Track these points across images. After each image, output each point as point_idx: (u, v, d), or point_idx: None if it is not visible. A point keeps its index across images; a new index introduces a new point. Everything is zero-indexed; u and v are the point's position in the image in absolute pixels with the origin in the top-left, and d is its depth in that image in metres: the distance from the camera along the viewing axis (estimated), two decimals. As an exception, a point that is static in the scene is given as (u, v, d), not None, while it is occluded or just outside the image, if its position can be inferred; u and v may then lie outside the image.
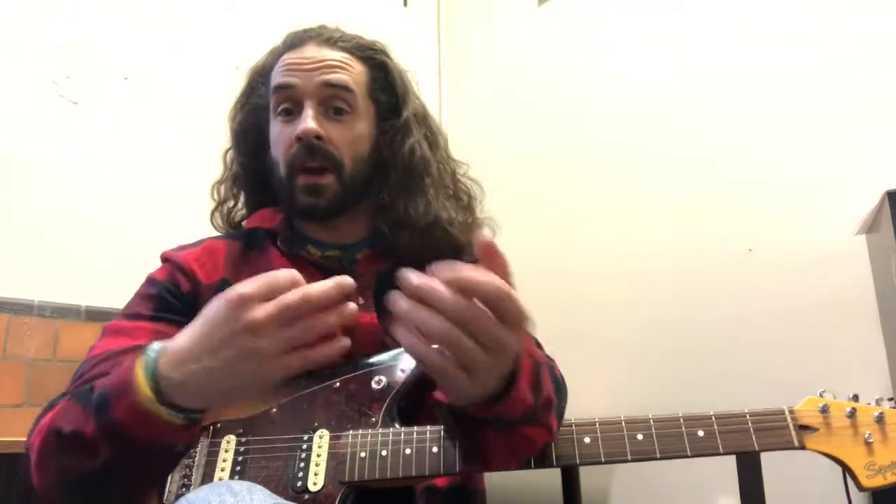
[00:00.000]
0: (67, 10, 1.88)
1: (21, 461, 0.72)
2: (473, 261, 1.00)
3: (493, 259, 0.61)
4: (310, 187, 0.92)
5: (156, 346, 0.62)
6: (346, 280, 0.58)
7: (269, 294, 0.57)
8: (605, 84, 2.25)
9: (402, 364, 0.84)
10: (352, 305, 0.59)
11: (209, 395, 0.61)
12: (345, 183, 0.93)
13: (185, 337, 0.61)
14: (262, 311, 0.57)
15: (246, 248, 0.96)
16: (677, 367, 1.87)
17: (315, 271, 0.94)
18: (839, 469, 0.79)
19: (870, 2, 1.74)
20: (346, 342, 0.59)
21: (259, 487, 0.63)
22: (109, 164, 1.88)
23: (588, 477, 1.66)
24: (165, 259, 0.94)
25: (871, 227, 1.54)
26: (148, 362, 0.61)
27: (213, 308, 0.59)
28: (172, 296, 0.88)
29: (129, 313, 0.87)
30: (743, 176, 1.88)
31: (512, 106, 2.48)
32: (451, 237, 0.96)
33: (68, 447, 0.64)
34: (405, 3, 2.72)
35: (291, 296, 0.57)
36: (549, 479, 1.62)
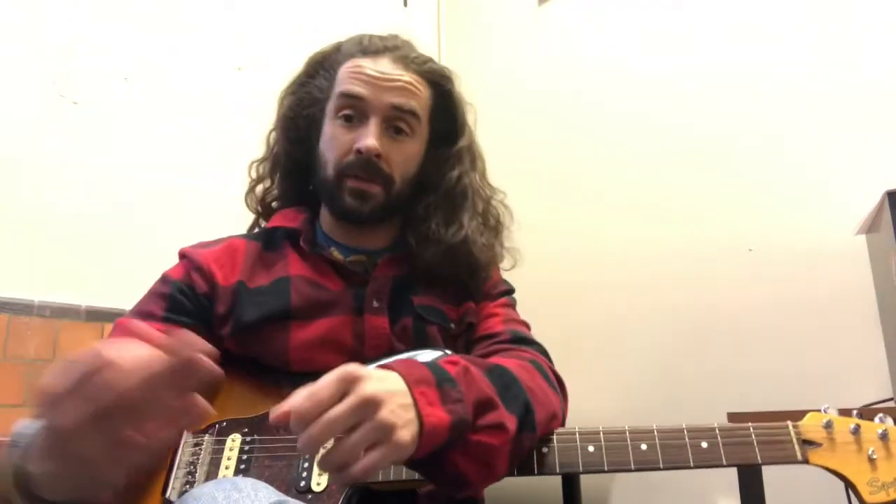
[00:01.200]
0: (67, 10, 1.87)
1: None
2: (487, 278, 1.01)
3: None
4: (358, 192, 0.93)
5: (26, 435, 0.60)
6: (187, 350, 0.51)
7: (77, 385, 0.49)
8: (606, 84, 2.25)
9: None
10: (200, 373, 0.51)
11: (66, 492, 0.57)
12: (390, 196, 0.95)
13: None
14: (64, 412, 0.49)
15: (263, 250, 0.96)
16: (677, 366, 1.87)
17: (333, 272, 0.94)
18: (841, 483, 0.78)
19: (870, 2, 1.75)
20: (203, 407, 0.53)
21: (263, 485, 0.63)
22: (109, 164, 1.87)
23: (588, 483, 1.66)
24: (183, 255, 0.93)
25: (871, 227, 1.54)
26: (13, 454, 0.60)
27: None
28: (186, 297, 0.88)
29: (142, 311, 0.88)
30: (743, 176, 1.88)
31: (511, 106, 2.48)
32: (472, 258, 0.97)
33: None
34: (405, 3, 2.72)
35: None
36: (550, 485, 1.62)
